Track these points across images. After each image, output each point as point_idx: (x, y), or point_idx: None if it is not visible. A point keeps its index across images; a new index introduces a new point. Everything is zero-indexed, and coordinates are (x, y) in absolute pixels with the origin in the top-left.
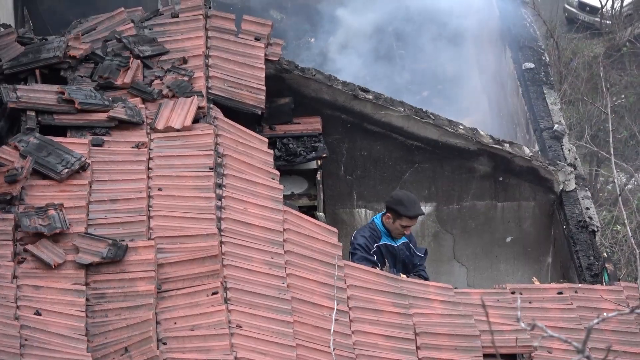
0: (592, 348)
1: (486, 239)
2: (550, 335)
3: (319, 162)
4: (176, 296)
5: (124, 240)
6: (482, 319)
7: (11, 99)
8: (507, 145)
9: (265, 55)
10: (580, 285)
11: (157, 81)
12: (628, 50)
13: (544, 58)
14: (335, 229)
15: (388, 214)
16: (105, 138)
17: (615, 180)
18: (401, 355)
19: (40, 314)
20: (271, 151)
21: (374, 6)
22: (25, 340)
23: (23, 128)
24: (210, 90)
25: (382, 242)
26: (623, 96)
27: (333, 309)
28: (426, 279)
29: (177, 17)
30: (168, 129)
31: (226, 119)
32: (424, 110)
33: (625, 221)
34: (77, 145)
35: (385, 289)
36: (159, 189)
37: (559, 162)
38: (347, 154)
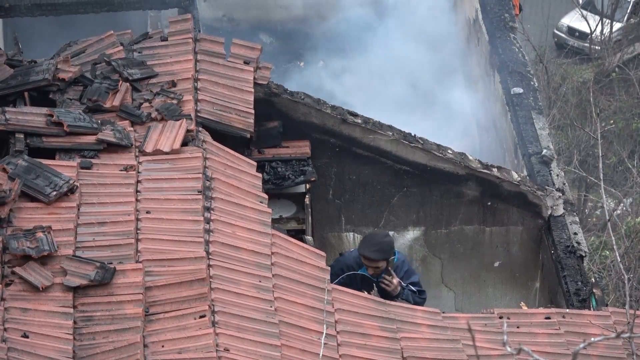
0: None
1: (474, 264)
2: None
3: (308, 186)
4: (164, 319)
5: (111, 263)
6: (470, 344)
7: (0, 121)
8: (495, 170)
9: (254, 78)
10: (568, 310)
11: (146, 104)
12: (617, 76)
13: (532, 83)
14: (323, 253)
15: None
16: (93, 161)
17: (604, 206)
18: None
19: (27, 337)
20: (260, 175)
21: (360, 30)
22: None
23: (12, 150)
24: (199, 114)
25: (359, 272)
26: (612, 122)
27: (321, 332)
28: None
29: (167, 40)
30: (157, 152)
31: (215, 142)
32: (413, 134)
33: (614, 246)
34: (65, 168)
35: (373, 313)
36: (147, 212)
37: (547, 187)
38: (335, 178)
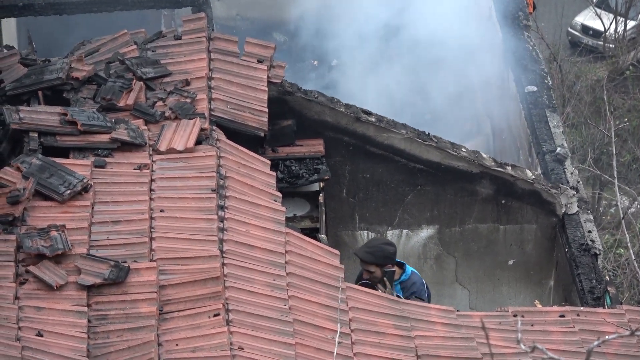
0: None
1: (488, 262)
2: (550, 358)
3: (321, 185)
4: (178, 318)
5: (126, 262)
6: (484, 342)
7: (14, 120)
8: (509, 168)
9: (268, 77)
10: (582, 308)
11: (159, 103)
12: (631, 74)
13: (546, 81)
14: (337, 251)
15: None
16: (107, 159)
17: (618, 204)
18: None
19: (42, 335)
20: (273, 173)
21: (375, 27)
22: None
23: (26, 149)
24: (212, 112)
25: (366, 281)
26: (626, 120)
27: (335, 331)
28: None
29: (180, 39)
30: (170, 150)
31: (228, 141)
32: (427, 133)
33: (628, 244)
34: (79, 167)
35: (387, 311)
36: (161, 211)
37: (561, 185)
38: (349, 176)
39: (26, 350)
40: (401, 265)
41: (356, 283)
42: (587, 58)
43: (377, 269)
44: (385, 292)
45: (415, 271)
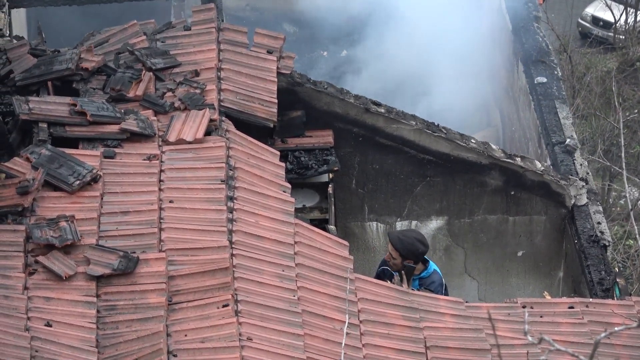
0: None
1: (497, 253)
2: (557, 349)
3: (331, 176)
4: (187, 308)
5: (135, 252)
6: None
7: (23, 111)
8: (518, 159)
9: (278, 68)
10: (591, 299)
11: (169, 94)
12: None
13: (556, 72)
14: (346, 242)
15: None
16: (116, 150)
17: (627, 195)
18: None
19: (51, 326)
20: (283, 164)
21: (383, 17)
22: (36, 351)
23: (35, 140)
24: (222, 103)
25: (385, 267)
26: (636, 111)
27: (344, 322)
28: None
29: (190, 29)
30: (180, 141)
31: (238, 132)
32: (436, 124)
33: (637, 236)
34: (88, 157)
35: (396, 302)
36: (170, 201)
37: (570, 177)
38: (358, 168)
39: (35, 340)
40: (425, 262)
41: (379, 268)
42: (597, 49)
43: (399, 257)
44: (401, 285)
45: (438, 270)
